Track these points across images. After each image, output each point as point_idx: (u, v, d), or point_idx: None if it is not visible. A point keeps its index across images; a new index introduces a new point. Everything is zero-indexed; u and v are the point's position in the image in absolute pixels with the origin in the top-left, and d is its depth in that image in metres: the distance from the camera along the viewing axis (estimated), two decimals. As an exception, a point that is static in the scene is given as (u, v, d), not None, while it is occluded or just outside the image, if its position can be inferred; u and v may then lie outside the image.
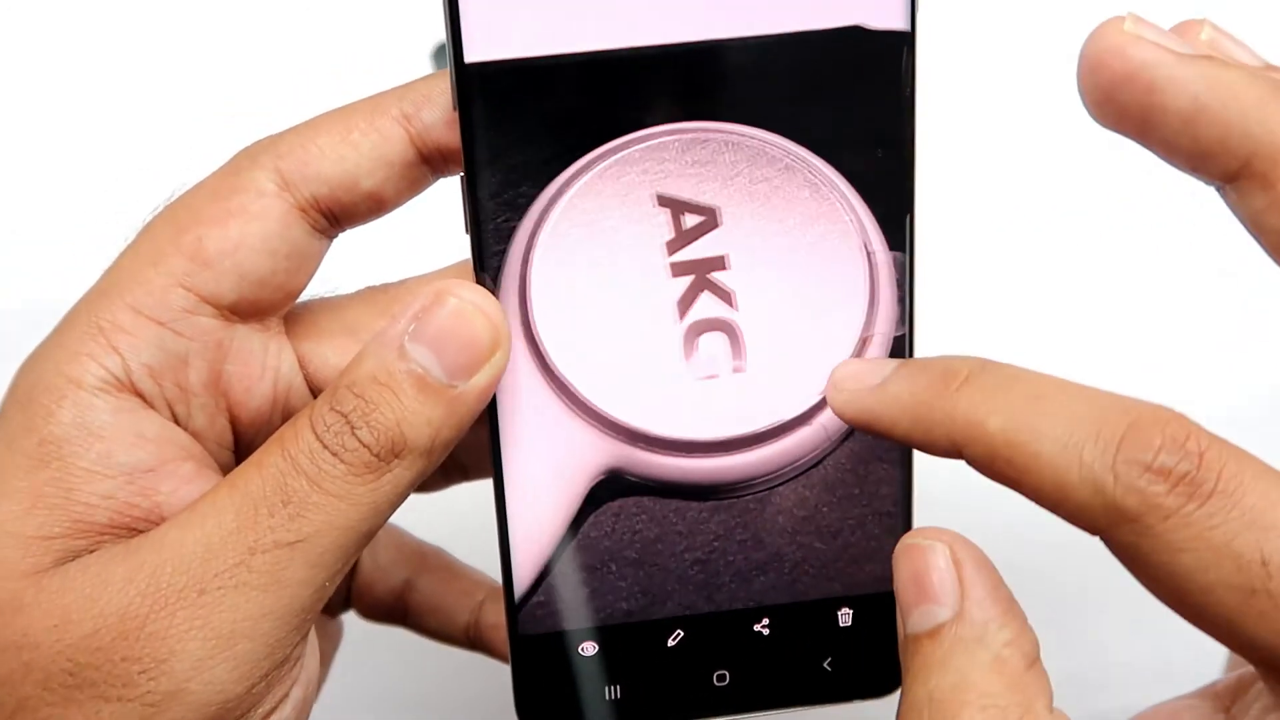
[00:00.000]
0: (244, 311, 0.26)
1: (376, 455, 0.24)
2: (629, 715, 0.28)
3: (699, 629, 0.28)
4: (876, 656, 0.28)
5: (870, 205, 0.26)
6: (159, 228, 0.26)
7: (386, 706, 0.42)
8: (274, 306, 0.27)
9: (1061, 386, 0.22)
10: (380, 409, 0.24)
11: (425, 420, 0.24)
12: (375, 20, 0.47)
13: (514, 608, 0.27)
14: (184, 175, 0.27)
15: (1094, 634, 0.42)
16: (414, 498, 0.26)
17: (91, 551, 0.24)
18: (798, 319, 0.26)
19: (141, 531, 0.25)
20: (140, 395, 0.25)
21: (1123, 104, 0.22)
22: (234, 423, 0.27)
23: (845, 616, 0.28)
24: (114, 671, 0.23)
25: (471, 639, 0.33)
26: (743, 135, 0.26)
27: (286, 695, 0.25)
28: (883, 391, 0.24)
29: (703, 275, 0.26)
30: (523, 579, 0.27)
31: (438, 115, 0.26)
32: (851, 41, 0.25)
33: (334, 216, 0.26)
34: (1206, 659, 0.28)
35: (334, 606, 0.34)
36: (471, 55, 0.25)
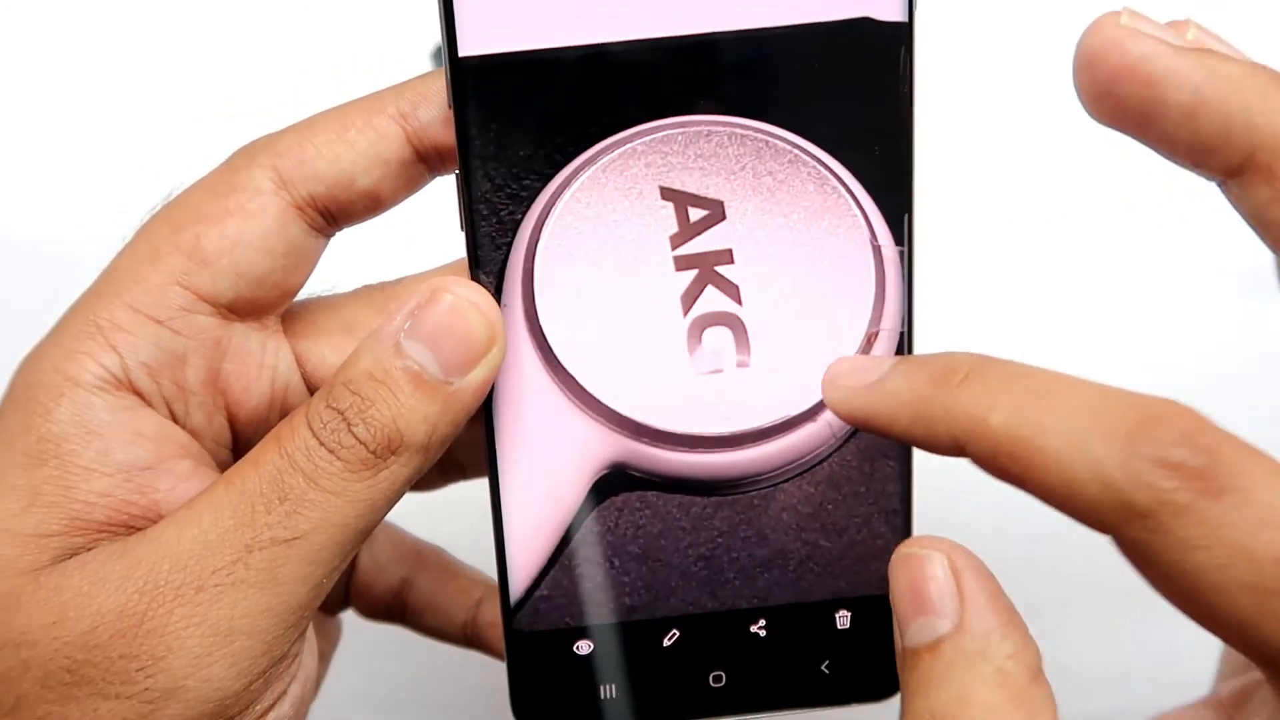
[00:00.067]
0: (242, 310, 0.26)
1: (373, 452, 0.24)
2: (625, 714, 0.28)
3: (696, 628, 0.28)
4: (875, 660, 0.28)
5: (875, 199, 0.26)
6: (157, 226, 0.26)
7: (384, 704, 0.42)
8: (271, 305, 0.27)
9: (1067, 381, 0.21)
10: (377, 406, 0.24)
11: (422, 417, 0.24)
12: (374, 19, 0.47)
13: (509, 605, 0.27)
14: (181, 174, 0.27)
15: (1098, 632, 0.42)
16: (411, 496, 0.26)
17: (89, 549, 0.24)
18: (803, 314, 0.26)
19: (139, 529, 0.25)
20: (138, 393, 0.26)
21: (1121, 99, 0.22)
22: (232, 421, 0.27)
23: (844, 619, 0.28)
24: (112, 669, 0.23)
25: (469, 637, 0.33)
26: (748, 128, 0.26)
27: (284, 692, 0.25)
28: (881, 388, 0.23)
29: (708, 269, 0.26)
30: (521, 576, 0.27)
31: (434, 113, 0.26)
32: (859, 34, 0.25)
33: (331, 215, 0.26)
34: (1200, 659, 0.28)
35: (332, 604, 0.34)
36: (466, 49, 0.25)
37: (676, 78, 0.25)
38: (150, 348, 0.25)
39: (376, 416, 0.24)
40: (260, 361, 0.27)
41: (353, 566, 0.33)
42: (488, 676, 0.32)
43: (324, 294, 0.29)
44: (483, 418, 0.26)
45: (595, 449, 0.27)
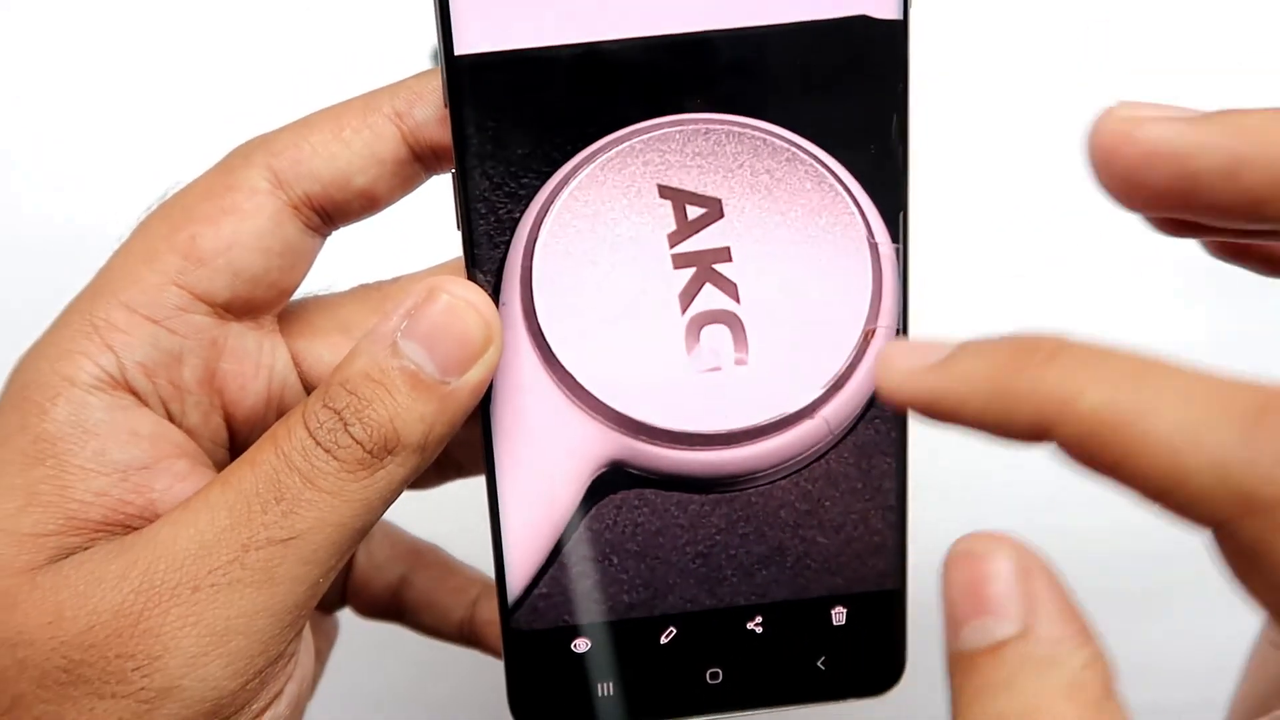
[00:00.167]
0: (238, 309, 0.26)
1: (369, 452, 0.24)
2: (622, 711, 0.28)
3: (693, 626, 0.28)
4: (871, 656, 0.28)
5: (873, 197, 0.26)
6: (153, 226, 0.26)
7: (382, 703, 0.42)
8: (268, 304, 0.27)
9: (1169, 364, 0.19)
10: (373, 405, 0.24)
11: (418, 417, 0.24)
12: (370, 18, 0.46)
13: (506, 604, 0.27)
14: (177, 173, 0.27)
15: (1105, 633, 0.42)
16: (409, 495, 0.26)
17: (86, 549, 0.24)
18: (801, 312, 0.26)
19: (136, 529, 0.25)
20: (134, 393, 0.26)
21: (1153, 185, 0.21)
22: (228, 420, 0.27)
23: (840, 615, 0.28)
24: (108, 668, 0.23)
25: (466, 635, 0.33)
26: (746, 126, 0.26)
27: (281, 692, 0.25)
28: (950, 368, 0.21)
29: (706, 267, 0.26)
30: (519, 574, 0.27)
31: (430, 112, 0.26)
32: (856, 31, 0.25)
33: (327, 214, 0.26)
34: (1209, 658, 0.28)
35: (329, 603, 0.34)
36: (462, 48, 0.25)
37: (674, 76, 0.25)
38: (146, 347, 0.25)
39: (373, 416, 0.24)
40: (257, 361, 0.27)
41: (350, 565, 0.33)
42: (485, 675, 0.32)
43: (320, 293, 0.29)
44: (480, 416, 0.26)
45: (593, 447, 0.27)
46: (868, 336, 0.27)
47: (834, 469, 0.27)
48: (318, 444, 0.24)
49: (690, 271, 0.26)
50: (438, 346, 0.24)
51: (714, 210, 0.26)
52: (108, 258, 0.26)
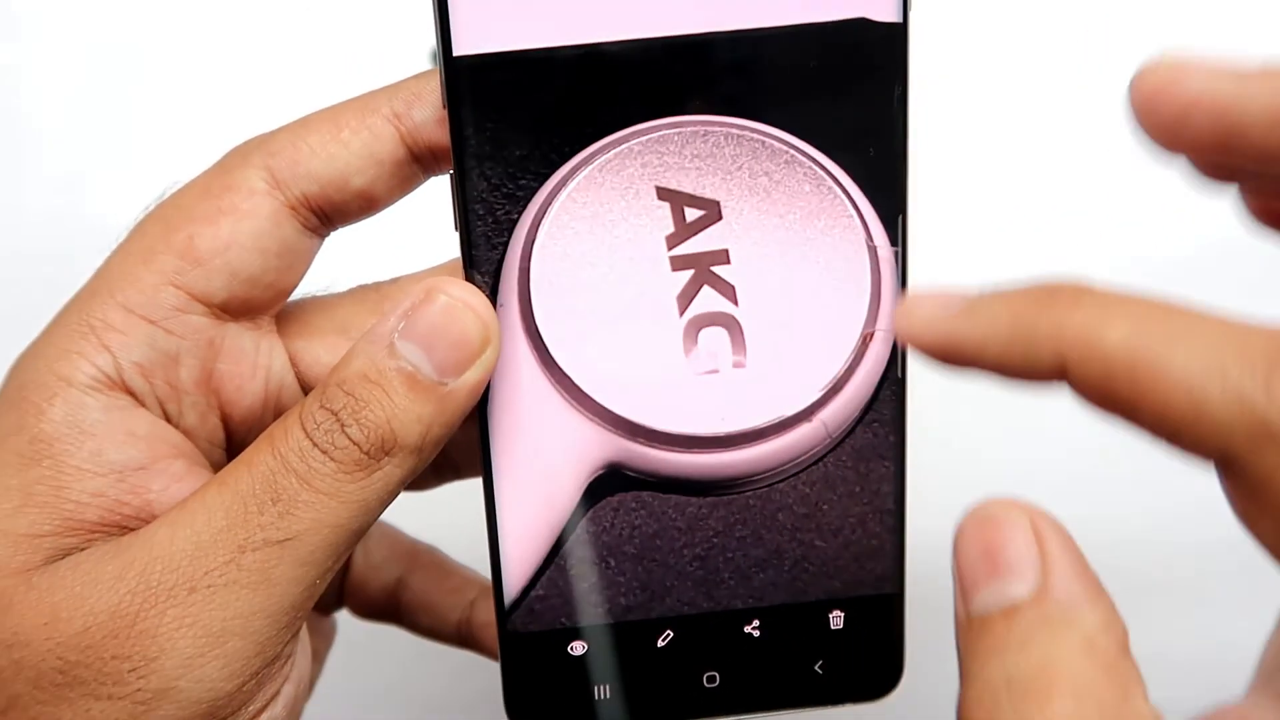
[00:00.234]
0: (235, 310, 0.26)
1: (367, 453, 0.24)
2: (619, 714, 0.28)
3: (690, 629, 0.28)
4: (868, 660, 0.28)
5: (871, 200, 0.26)
6: (150, 226, 0.26)
7: (378, 704, 0.42)
8: (265, 305, 0.27)
9: (1188, 309, 0.19)
10: (370, 407, 0.24)
11: (415, 418, 0.24)
12: (369, 19, 0.46)
13: (503, 606, 0.27)
14: (175, 174, 0.27)
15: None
16: (406, 496, 0.26)
17: (82, 549, 0.24)
18: (799, 314, 0.26)
19: (132, 529, 0.25)
20: (131, 393, 0.25)
21: (1196, 131, 0.21)
22: (225, 421, 0.27)
23: (838, 619, 0.28)
24: (104, 669, 0.23)
25: (463, 637, 0.33)
26: (744, 129, 0.26)
27: (278, 693, 0.25)
28: (971, 312, 0.21)
29: (704, 269, 0.26)
30: (516, 576, 0.27)
31: (429, 113, 0.26)
32: (855, 34, 0.25)
33: (325, 215, 0.26)
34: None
35: (327, 604, 0.34)
36: (461, 49, 0.24)
37: (673, 77, 0.25)
38: (143, 348, 0.25)
39: (370, 417, 0.24)
40: (254, 361, 0.27)
41: (347, 566, 0.33)
42: (482, 676, 0.32)
43: (318, 294, 0.29)
44: (477, 418, 0.26)
45: (590, 449, 0.27)
46: (866, 340, 0.27)
47: (832, 472, 0.27)
48: (315, 445, 0.24)
49: (688, 274, 0.26)
50: (435, 347, 0.24)
51: (712, 212, 0.26)
52: (105, 258, 0.26)
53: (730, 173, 0.26)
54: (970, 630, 0.20)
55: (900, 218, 0.26)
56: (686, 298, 0.26)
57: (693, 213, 0.26)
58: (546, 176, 0.26)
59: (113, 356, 0.25)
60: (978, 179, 0.46)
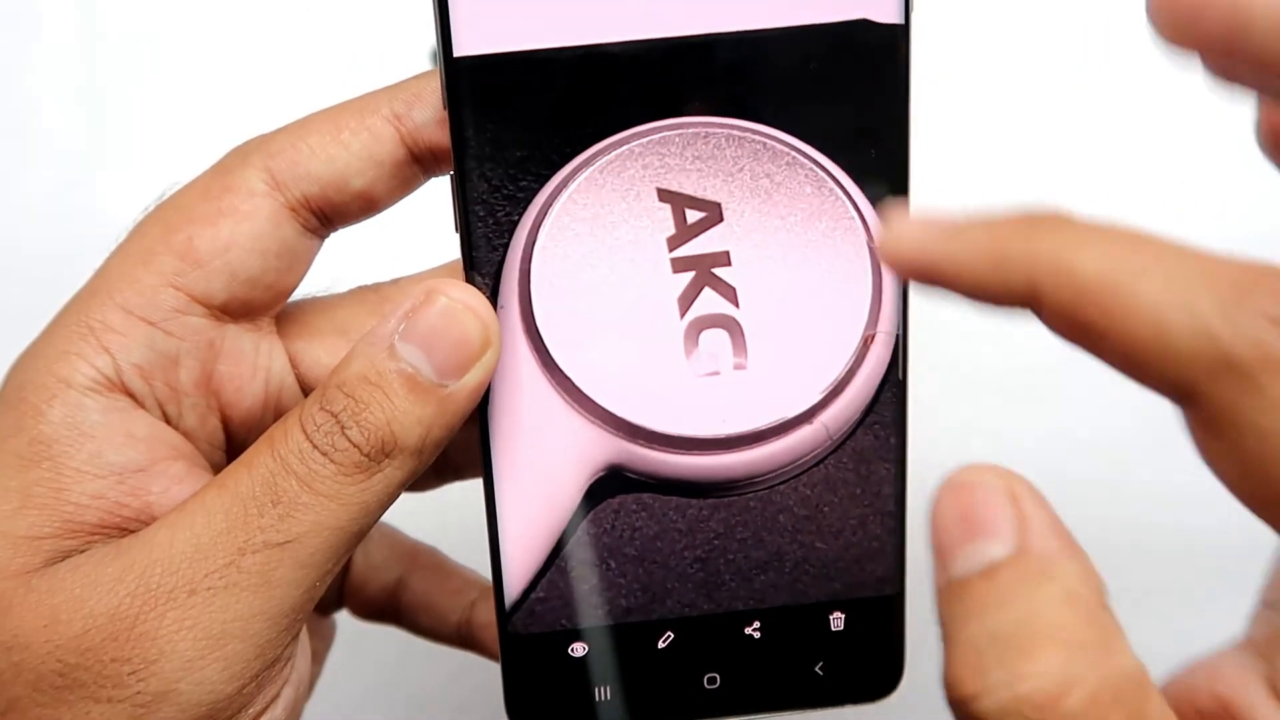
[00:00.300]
0: (235, 311, 0.26)
1: (367, 455, 0.24)
2: (620, 715, 0.28)
3: (691, 630, 0.28)
4: (869, 661, 0.28)
5: (873, 202, 0.26)
6: (149, 227, 0.26)
7: (378, 705, 0.42)
8: (265, 306, 0.27)
9: (1164, 239, 0.19)
10: (370, 409, 0.24)
11: (416, 420, 0.24)
12: (369, 19, 0.46)
13: (504, 607, 0.27)
14: (175, 175, 0.27)
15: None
16: (406, 497, 0.26)
17: (82, 551, 0.24)
18: (800, 316, 0.26)
19: (132, 531, 0.25)
20: (131, 395, 0.25)
21: (1206, 30, 0.20)
22: (225, 422, 0.27)
23: (838, 620, 0.28)
24: (104, 672, 0.23)
25: (463, 638, 0.33)
26: (746, 130, 0.26)
27: (277, 695, 0.25)
28: (953, 235, 0.20)
29: (705, 271, 0.26)
30: (516, 577, 0.27)
31: (429, 114, 0.26)
32: (857, 36, 0.25)
33: (325, 216, 0.26)
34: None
35: (327, 605, 0.34)
36: (461, 50, 0.24)
37: (674, 79, 0.25)
38: (143, 349, 0.25)
39: (370, 419, 0.24)
40: (254, 363, 0.27)
41: (347, 567, 0.33)
42: (482, 677, 0.32)
43: (318, 295, 0.29)
44: (478, 419, 0.26)
45: (591, 451, 0.27)
46: (867, 342, 0.26)
47: (833, 474, 0.27)
48: (314, 447, 0.24)
49: (689, 275, 0.26)
50: (435, 349, 0.24)
51: (713, 214, 0.26)
52: (104, 259, 0.26)
53: (731, 174, 0.26)
54: (951, 594, 0.20)
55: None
56: (687, 300, 0.26)
57: (694, 214, 0.26)
58: (547, 178, 0.26)
59: (112, 358, 0.25)
60: (980, 180, 0.46)
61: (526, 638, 0.27)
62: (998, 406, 0.42)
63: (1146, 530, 0.43)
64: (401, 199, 0.27)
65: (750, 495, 0.27)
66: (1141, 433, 0.38)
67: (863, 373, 0.27)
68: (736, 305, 0.26)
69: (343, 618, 0.34)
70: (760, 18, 0.25)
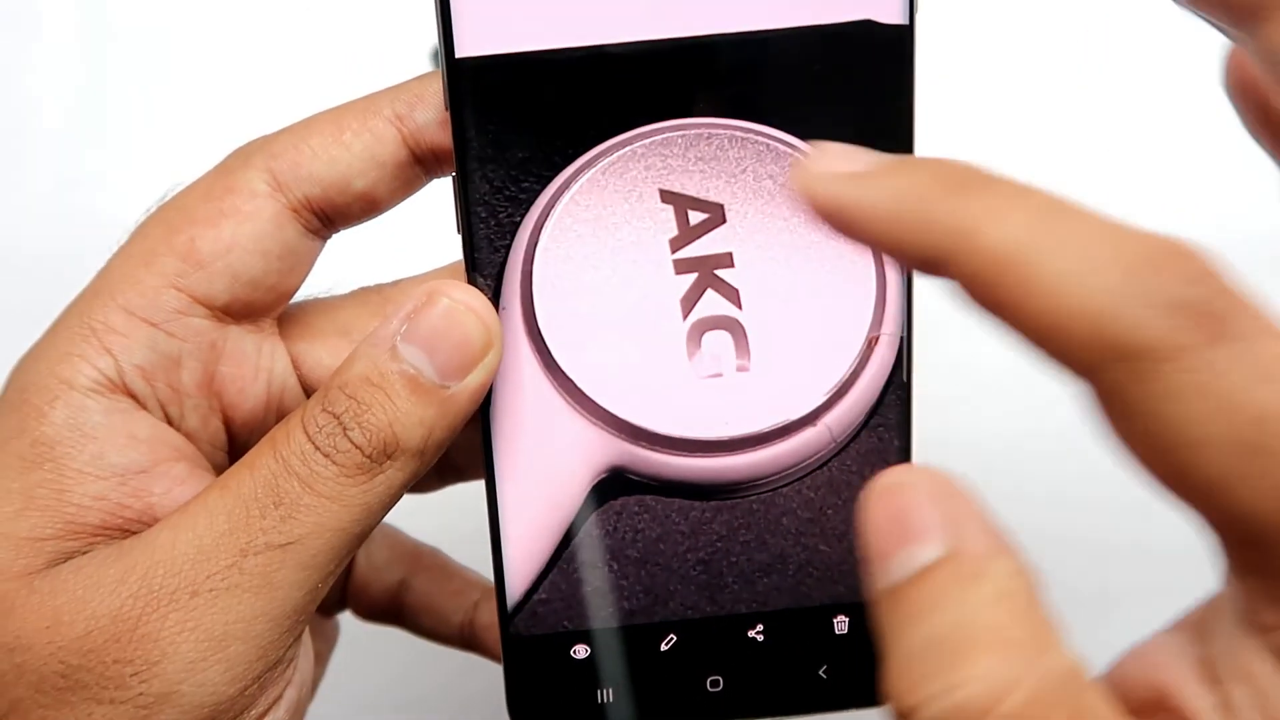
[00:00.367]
0: (237, 312, 0.26)
1: (369, 456, 0.24)
2: (621, 718, 0.28)
3: (694, 633, 0.28)
4: (873, 665, 0.28)
5: None
6: (151, 229, 0.26)
7: (381, 706, 0.42)
8: (267, 307, 0.27)
9: (1079, 209, 0.18)
10: (372, 410, 0.24)
11: (418, 421, 0.24)
12: (371, 20, 0.46)
13: (506, 609, 0.27)
14: (177, 176, 0.27)
15: (1110, 626, 0.42)
16: (409, 498, 0.26)
17: (84, 553, 0.24)
18: (803, 318, 0.26)
19: (134, 533, 0.25)
20: (133, 396, 0.25)
21: None
22: (227, 424, 0.27)
23: (842, 624, 0.28)
24: (106, 673, 0.23)
25: (466, 639, 0.33)
26: (748, 131, 0.26)
27: (280, 697, 0.25)
28: (867, 181, 0.19)
29: (707, 273, 0.26)
30: (518, 579, 0.27)
31: (431, 115, 0.26)
32: (860, 36, 0.25)
33: (327, 217, 0.26)
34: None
35: (329, 606, 0.34)
36: (463, 51, 0.24)
37: (676, 80, 0.25)
38: (145, 350, 0.25)
39: (372, 421, 0.24)
40: (256, 364, 0.27)
41: (350, 568, 0.33)
42: (485, 679, 0.32)
43: (320, 296, 0.29)
44: (480, 421, 0.26)
45: (594, 453, 0.27)
46: (871, 344, 0.26)
47: (836, 477, 0.27)
48: (316, 448, 0.24)
49: (692, 277, 0.26)
50: (437, 350, 0.24)
51: (716, 215, 0.26)
52: (106, 260, 0.26)
53: (734, 175, 0.26)
54: (886, 602, 0.19)
55: None
56: (690, 301, 0.26)
57: (696, 216, 0.26)
58: (549, 179, 0.25)
59: (114, 359, 0.25)
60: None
61: (529, 639, 0.27)
62: (1003, 408, 0.42)
63: (1153, 529, 0.43)
64: (403, 200, 0.27)
65: (754, 497, 0.27)
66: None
67: (867, 375, 0.27)
68: (739, 307, 0.26)
69: (346, 619, 0.34)
70: (763, 18, 0.25)
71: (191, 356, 0.26)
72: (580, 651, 0.28)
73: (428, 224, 0.29)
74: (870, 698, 0.28)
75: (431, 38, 0.25)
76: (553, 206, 0.26)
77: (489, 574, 0.28)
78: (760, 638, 0.28)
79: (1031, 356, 0.19)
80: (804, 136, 0.26)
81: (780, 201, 0.26)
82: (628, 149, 0.26)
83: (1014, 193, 0.19)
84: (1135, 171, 0.42)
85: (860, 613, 0.28)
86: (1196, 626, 0.21)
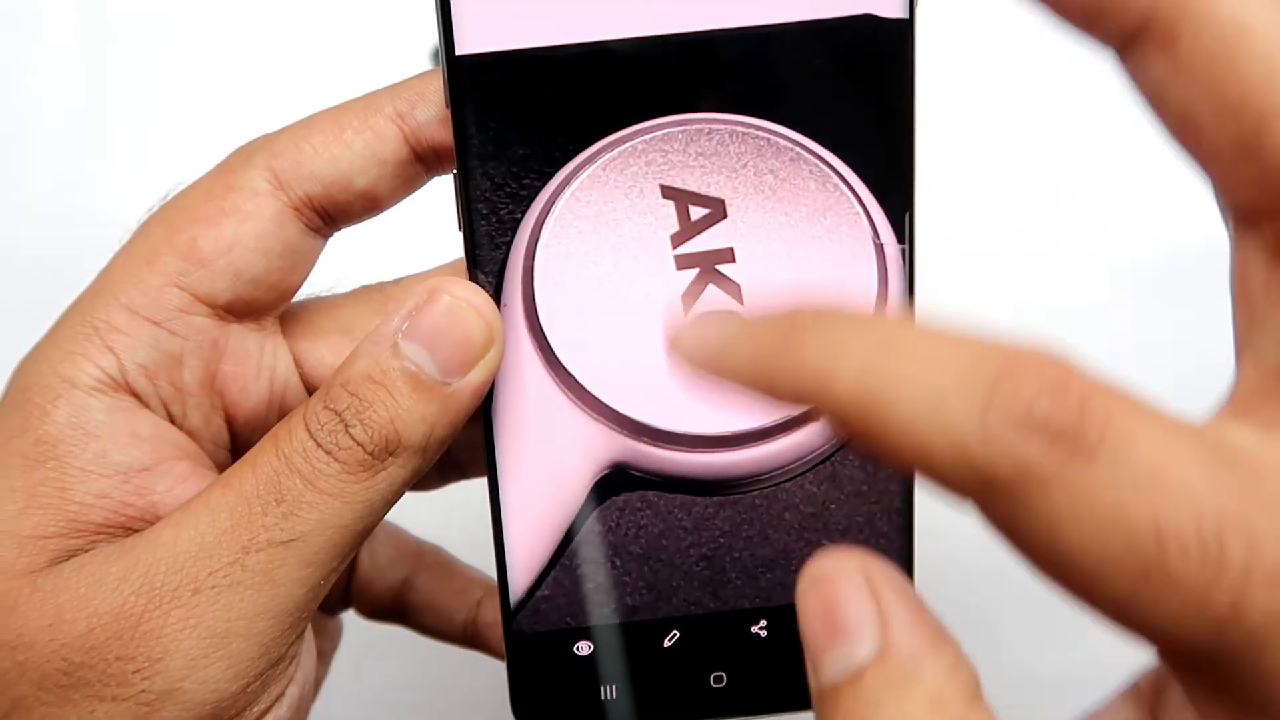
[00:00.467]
0: (239, 311, 0.26)
1: (371, 453, 0.24)
2: (625, 714, 0.28)
3: (697, 629, 0.28)
4: None
5: (878, 198, 0.26)
6: (153, 227, 0.26)
7: (384, 705, 0.42)
8: (269, 306, 0.27)
9: (923, 331, 0.17)
10: (374, 407, 0.24)
11: (419, 418, 0.24)
12: (371, 18, 0.46)
13: (509, 606, 0.27)
14: (178, 175, 0.27)
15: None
16: (411, 496, 0.26)
17: (86, 551, 0.24)
18: None
19: (137, 531, 0.25)
20: (135, 395, 0.25)
21: None
22: (230, 422, 0.27)
23: None
24: (108, 671, 0.23)
25: (469, 637, 0.33)
26: (749, 126, 0.26)
27: (282, 694, 0.25)
28: (724, 350, 0.19)
29: (709, 268, 0.26)
30: (521, 576, 0.27)
31: (432, 113, 0.26)
32: (861, 31, 0.25)
33: (328, 215, 0.26)
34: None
35: (332, 605, 0.34)
36: (464, 48, 0.24)
37: (677, 75, 0.25)
38: (147, 349, 0.25)
39: (374, 418, 0.24)
40: (258, 362, 0.27)
41: (352, 566, 0.33)
42: (488, 676, 0.32)
43: (322, 294, 0.29)
44: (482, 418, 0.26)
45: (596, 449, 0.27)
46: None
47: (840, 472, 0.27)
48: (319, 445, 0.24)
49: (693, 272, 0.26)
50: (439, 348, 0.24)
51: (717, 211, 0.26)
52: (108, 259, 0.26)
53: (735, 170, 0.26)
54: (823, 705, 0.19)
55: (907, 215, 0.26)
56: (692, 296, 0.26)
57: (697, 211, 0.26)
58: (550, 175, 0.25)
59: (116, 358, 0.25)
60: (985, 175, 0.46)
61: (532, 636, 0.27)
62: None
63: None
64: (405, 198, 0.27)
65: (756, 493, 0.27)
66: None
67: None
68: (741, 302, 0.26)
69: (349, 617, 0.34)
70: (763, 13, 0.25)
71: (194, 355, 0.26)
72: (583, 648, 0.28)
73: (429, 222, 0.29)
74: None
75: (432, 36, 0.25)
76: (554, 203, 0.26)
77: (492, 571, 0.28)
78: (763, 634, 0.28)
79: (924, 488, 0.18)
80: (805, 131, 0.26)
81: (781, 196, 0.26)
82: (628, 145, 0.25)
83: (852, 327, 0.18)
84: (1135, 167, 0.42)
85: None
86: (1149, 694, 0.21)
